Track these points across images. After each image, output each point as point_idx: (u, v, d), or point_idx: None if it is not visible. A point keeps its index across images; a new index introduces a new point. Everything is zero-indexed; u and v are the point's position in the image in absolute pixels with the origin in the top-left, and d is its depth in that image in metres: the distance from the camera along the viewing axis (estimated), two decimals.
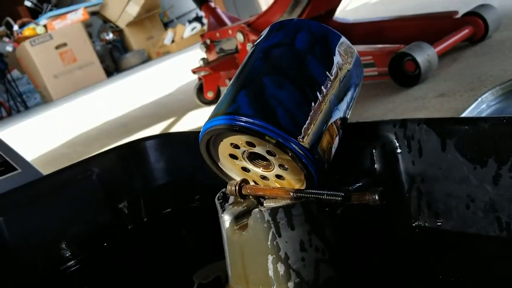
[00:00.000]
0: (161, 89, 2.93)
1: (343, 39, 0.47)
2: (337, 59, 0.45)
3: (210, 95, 1.88)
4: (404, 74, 1.26)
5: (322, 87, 0.43)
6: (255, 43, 0.48)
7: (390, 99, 1.23)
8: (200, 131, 0.45)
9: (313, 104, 0.42)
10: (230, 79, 1.89)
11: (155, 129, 1.92)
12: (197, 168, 0.64)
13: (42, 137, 2.95)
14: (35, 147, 2.49)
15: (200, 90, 1.92)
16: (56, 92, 5.05)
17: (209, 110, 1.86)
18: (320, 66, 0.44)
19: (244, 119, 0.41)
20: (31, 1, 5.67)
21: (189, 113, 1.96)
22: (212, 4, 2.01)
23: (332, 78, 0.44)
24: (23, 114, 5.01)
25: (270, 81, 0.43)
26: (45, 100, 5.29)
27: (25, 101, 5.52)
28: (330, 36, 0.46)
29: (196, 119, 1.83)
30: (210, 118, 0.44)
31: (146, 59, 5.73)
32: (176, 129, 1.82)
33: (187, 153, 0.73)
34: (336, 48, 0.46)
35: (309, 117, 0.42)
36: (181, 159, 0.76)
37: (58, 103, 4.60)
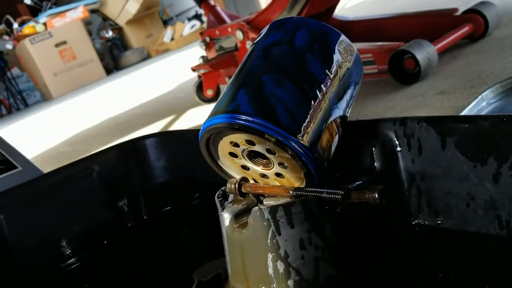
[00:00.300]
0: (161, 87, 2.93)
1: (343, 37, 0.47)
2: (336, 57, 0.45)
3: (209, 93, 1.88)
4: (404, 72, 1.26)
5: (322, 85, 0.43)
6: (255, 42, 0.48)
7: (390, 96, 1.23)
8: (199, 129, 0.45)
9: (312, 102, 0.42)
10: (229, 77, 1.89)
11: (155, 127, 1.92)
12: (197, 166, 0.64)
13: (42, 135, 2.95)
14: (35, 145, 2.50)
15: (199, 88, 1.92)
16: (56, 90, 5.05)
17: (208, 108, 1.86)
18: (320, 64, 0.44)
19: (243, 117, 0.41)
20: None
21: (189, 111, 1.95)
22: (212, 2, 2.01)
23: (331, 76, 0.44)
24: (23, 112, 5.01)
25: (270, 80, 0.43)
26: (45, 98, 5.29)
27: (25, 99, 5.52)
28: (330, 34, 0.46)
29: (196, 117, 1.83)
30: (210, 116, 0.44)
31: (146, 57, 5.73)
32: (175, 127, 1.82)
33: (186, 151, 0.73)
34: (336, 46, 0.46)
35: (309, 115, 0.42)
36: (180, 157, 0.76)
37: (58, 101, 4.60)
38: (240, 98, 0.43)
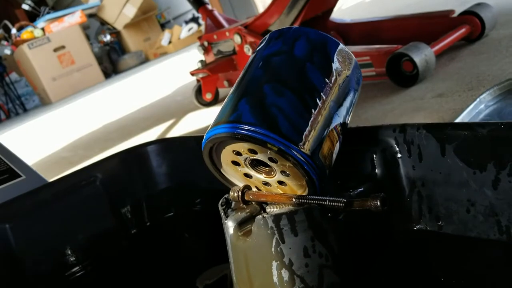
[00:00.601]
0: (159, 90, 2.93)
1: (341, 46, 0.48)
2: (335, 65, 0.46)
3: (208, 96, 1.89)
4: (402, 74, 1.27)
5: (322, 94, 0.44)
6: (255, 51, 0.49)
7: (388, 100, 1.23)
8: (200, 135, 0.45)
9: (313, 111, 0.43)
10: (228, 81, 1.90)
11: (155, 131, 1.93)
12: (198, 172, 0.65)
13: (42, 140, 2.95)
14: (35, 150, 2.50)
15: (198, 91, 1.93)
16: (54, 95, 5.05)
17: (207, 111, 1.87)
18: (319, 73, 0.45)
19: (246, 127, 0.41)
20: (28, 4, 5.66)
21: (188, 115, 1.96)
22: (209, 7, 2.02)
23: (331, 84, 0.45)
24: (22, 116, 5.01)
25: (270, 89, 0.44)
26: (44, 103, 5.30)
27: (24, 104, 5.52)
28: (329, 43, 0.47)
29: (195, 120, 1.83)
30: (212, 126, 0.44)
31: (144, 60, 5.74)
32: (175, 130, 1.82)
33: (188, 158, 0.74)
34: (335, 55, 0.46)
35: (310, 124, 0.42)
36: (182, 163, 0.77)
37: (57, 105, 4.60)
38: (242, 108, 0.43)
